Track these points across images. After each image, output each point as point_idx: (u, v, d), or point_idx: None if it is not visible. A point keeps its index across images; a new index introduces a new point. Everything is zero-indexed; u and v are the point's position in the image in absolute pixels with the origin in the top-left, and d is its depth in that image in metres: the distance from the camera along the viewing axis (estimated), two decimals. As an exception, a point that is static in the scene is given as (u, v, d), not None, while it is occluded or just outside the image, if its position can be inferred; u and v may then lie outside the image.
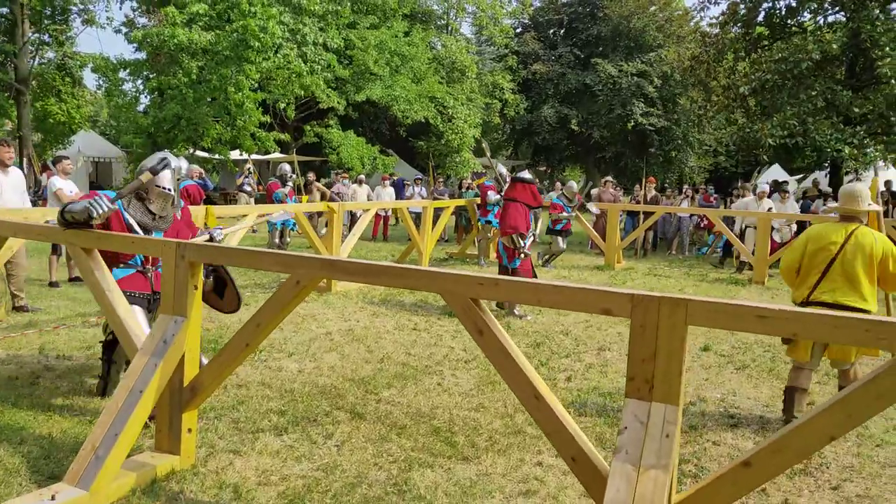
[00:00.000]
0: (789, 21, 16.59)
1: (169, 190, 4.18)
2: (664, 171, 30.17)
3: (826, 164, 16.23)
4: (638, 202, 14.52)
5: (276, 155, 22.59)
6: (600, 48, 30.76)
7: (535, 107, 30.78)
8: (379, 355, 5.69)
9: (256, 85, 17.45)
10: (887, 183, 15.18)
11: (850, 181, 16.22)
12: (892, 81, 13.85)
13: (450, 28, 30.92)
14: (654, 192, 14.77)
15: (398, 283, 2.96)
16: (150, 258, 4.17)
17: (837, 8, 15.89)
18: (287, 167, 12.18)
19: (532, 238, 7.94)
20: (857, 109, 14.42)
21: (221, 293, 4.36)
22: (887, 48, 13.54)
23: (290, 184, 11.99)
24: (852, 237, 4.27)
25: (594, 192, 15.48)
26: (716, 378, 5.44)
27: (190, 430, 3.45)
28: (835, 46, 14.22)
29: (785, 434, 2.22)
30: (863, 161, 14.51)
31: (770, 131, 14.13)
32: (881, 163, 16.97)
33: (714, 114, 19.20)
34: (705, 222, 14.33)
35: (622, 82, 28.60)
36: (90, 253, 3.71)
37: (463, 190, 16.26)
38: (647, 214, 12.99)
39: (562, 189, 12.51)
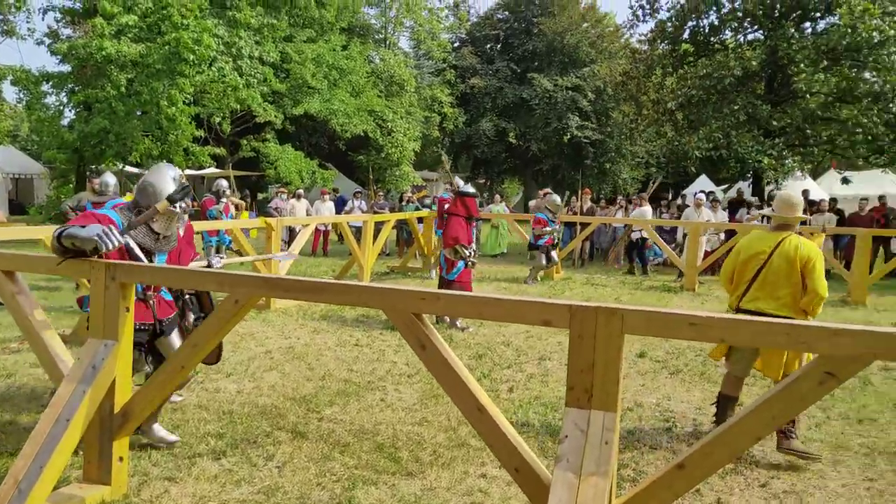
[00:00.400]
0: (712, 39, 17.41)
1: (181, 209, 3.75)
2: (599, 182, 31.01)
3: (749, 175, 17.06)
4: (575, 213, 14.86)
5: (212, 170, 22.06)
6: (536, 63, 31.46)
7: (473, 120, 31.16)
8: (320, 373, 5.61)
9: (190, 99, 17.02)
10: (805, 192, 16.06)
11: (772, 190, 17.10)
12: (808, 96, 14.72)
13: (388, 42, 31.00)
14: (589, 204, 15.15)
15: (340, 300, 2.94)
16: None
17: (756, 27, 16.78)
18: (224, 183, 11.92)
19: (473, 251, 8.05)
20: (775, 123, 15.22)
21: None
22: (802, 65, 14.38)
23: (225, 199, 11.71)
24: (779, 246, 4.24)
25: (531, 203, 15.75)
26: (651, 383, 5.61)
27: (122, 459, 3.31)
28: (754, 63, 15.01)
29: (716, 436, 2.32)
30: (781, 171, 15.32)
31: (697, 144, 14.77)
32: (798, 172, 17.98)
33: (645, 127, 19.91)
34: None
35: (558, 96, 29.31)
36: (12, 276, 3.52)
37: (403, 203, 16.26)
38: (584, 225, 13.32)
39: (545, 203, 11.84)
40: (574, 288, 11.05)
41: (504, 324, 7.54)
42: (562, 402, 4.88)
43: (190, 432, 4.21)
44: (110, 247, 3.05)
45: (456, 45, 33.97)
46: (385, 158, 25.29)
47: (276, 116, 20.82)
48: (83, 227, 3.13)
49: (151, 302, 3.78)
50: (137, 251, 3.60)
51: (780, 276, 4.19)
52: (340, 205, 16.75)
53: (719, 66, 15.21)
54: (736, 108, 14.91)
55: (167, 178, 3.75)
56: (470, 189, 8.13)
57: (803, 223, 4.44)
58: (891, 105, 15.32)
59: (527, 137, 30.51)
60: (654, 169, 32.03)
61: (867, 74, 15.92)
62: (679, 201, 18.02)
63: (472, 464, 3.90)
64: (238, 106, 19.15)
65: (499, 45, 33.44)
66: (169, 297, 3.95)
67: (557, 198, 12.20)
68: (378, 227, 11.98)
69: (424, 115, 28.65)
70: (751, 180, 17.35)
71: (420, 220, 13.07)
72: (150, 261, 3.69)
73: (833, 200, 14.73)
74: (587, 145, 29.77)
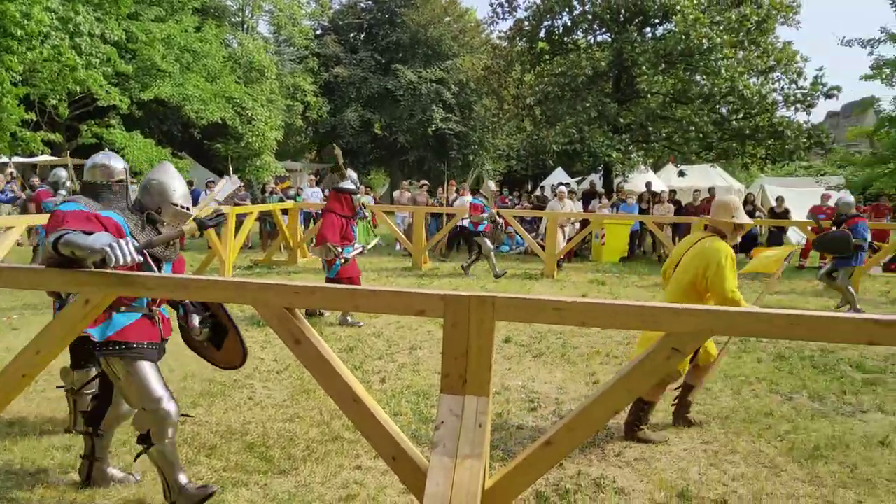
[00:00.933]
0: (566, 39, 18.39)
1: (189, 211, 3.35)
2: (463, 173, 31.78)
3: (600, 168, 18.27)
4: (441, 205, 15.14)
5: (46, 157, 19.98)
6: (400, 54, 31.53)
7: (338, 110, 30.68)
8: (181, 373, 5.31)
9: (19, 78, 15.26)
10: (648, 184, 17.50)
11: (620, 182, 18.45)
12: (649, 96, 15.99)
13: (246, 26, 29.65)
14: (455, 195, 15.49)
15: (204, 297, 2.80)
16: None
17: (604, 29, 17.95)
18: (62, 172, 10.83)
19: (360, 249, 7.98)
20: (622, 120, 16.41)
21: (219, 343, 3.59)
22: (644, 67, 15.59)
23: (65, 192, 10.64)
24: (694, 247, 4.27)
25: (396, 193, 15.86)
26: (517, 367, 5.88)
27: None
28: (603, 64, 16.06)
29: (579, 412, 2.48)
30: (628, 165, 16.57)
31: (554, 138, 15.59)
32: (642, 166, 19.54)
33: (506, 121, 20.67)
34: (503, 222, 15.35)
35: (422, 88, 29.61)
36: None
37: (267, 195, 15.71)
38: (451, 216, 13.61)
39: (479, 189, 11.91)
40: (442, 277, 11.28)
41: (374, 315, 7.55)
42: (433, 389, 5.00)
43: (31, 447, 3.83)
44: (122, 261, 2.54)
45: (318, 32, 33.19)
46: (245, 147, 24.25)
47: (121, 100, 19.24)
48: (87, 233, 2.66)
49: (157, 318, 3.34)
50: (151, 263, 3.19)
51: (686, 277, 4.22)
52: (196, 197, 15.85)
53: (573, 66, 16.13)
54: (588, 105, 15.90)
55: (176, 177, 3.37)
56: (348, 185, 7.93)
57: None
58: (718, 106, 17.04)
59: (392, 128, 30.56)
60: (514, 161, 33.37)
61: (698, 78, 17.59)
62: (538, 192, 18.95)
63: (347, 456, 3.89)
64: (77, 87, 17.49)
65: (363, 35, 33.13)
66: (167, 315, 3.47)
67: (492, 184, 12.59)
68: (240, 219, 11.51)
69: (287, 103, 27.79)
70: (602, 173, 18.59)
71: (285, 211, 12.71)
72: (158, 270, 3.24)
73: (673, 192, 16.18)
74: (451, 137, 30.38)
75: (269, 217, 13.46)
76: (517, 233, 13.29)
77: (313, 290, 2.57)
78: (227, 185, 5.55)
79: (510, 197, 18.35)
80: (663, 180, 20.67)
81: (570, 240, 12.96)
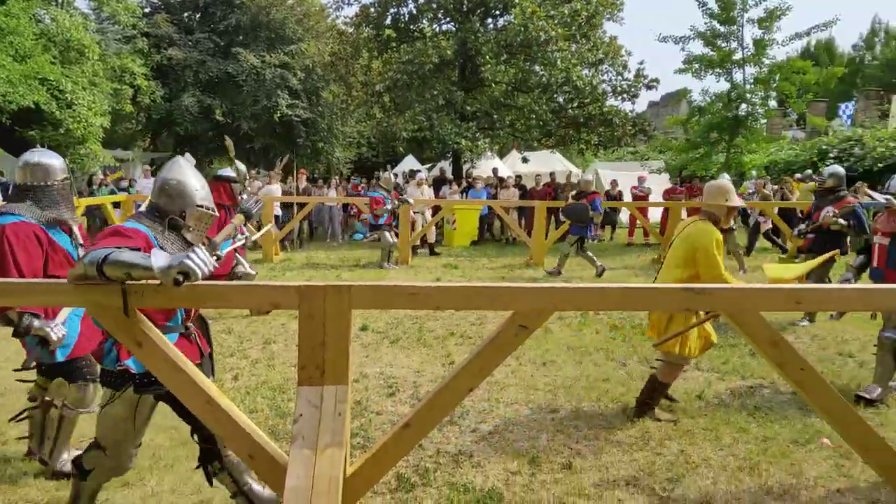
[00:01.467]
0: (412, 27, 18.56)
1: (213, 212, 2.95)
2: (313, 161, 31.10)
3: (449, 155, 18.72)
4: (292, 194, 14.74)
5: None
6: (241, 37, 30.02)
7: (174, 95, 28.62)
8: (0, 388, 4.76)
9: None
10: (494, 170, 18.22)
11: (469, 168, 19.03)
12: (493, 85, 16.60)
13: (60, 0, 26.70)
14: (305, 183, 15.15)
15: (27, 302, 2.53)
16: (190, 311, 2.93)
17: (448, 18, 18.34)
18: None
19: (243, 240, 7.46)
20: (469, 108, 16.91)
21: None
22: (487, 57, 16.15)
23: None
24: (686, 228, 4.38)
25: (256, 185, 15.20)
26: (374, 354, 5.92)
27: None
28: (449, 52, 16.40)
29: (436, 393, 2.57)
30: (476, 152, 17.13)
31: (403, 126, 15.73)
32: (489, 153, 20.27)
33: (355, 108, 20.47)
34: (355, 210, 15.28)
35: (266, 73, 28.44)
36: None
37: (95, 187, 14.37)
38: (301, 205, 13.30)
39: (377, 182, 11.50)
40: (294, 268, 11.01)
41: (224, 311, 7.23)
42: (290, 383, 4.90)
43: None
44: (206, 272, 2.26)
45: (147, 10, 30.67)
46: (65, 135, 21.92)
47: None
48: (142, 252, 2.32)
49: (194, 336, 2.97)
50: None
51: (676, 259, 4.31)
52: (6, 192, 14.14)
53: (419, 53, 16.32)
54: (436, 93, 16.19)
55: (195, 174, 2.94)
56: (228, 173, 7.26)
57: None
58: (555, 95, 18.10)
59: (235, 115, 29.10)
60: (365, 148, 33.19)
61: (537, 68, 18.56)
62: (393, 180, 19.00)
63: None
64: None
65: (198, 15, 31.12)
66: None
67: (391, 175, 12.26)
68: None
69: (113, 87, 25.46)
70: (451, 160, 19.05)
71: (116, 204, 11.74)
72: None
73: (518, 177, 16.98)
74: (299, 124, 29.53)
75: (98, 211, 12.35)
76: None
77: (156, 289, 2.41)
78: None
79: (362, 184, 18.26)
80: (508, 166, 21.61)
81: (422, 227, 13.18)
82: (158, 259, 2.24)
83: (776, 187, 14.86)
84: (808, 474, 3.66)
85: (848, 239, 6.99)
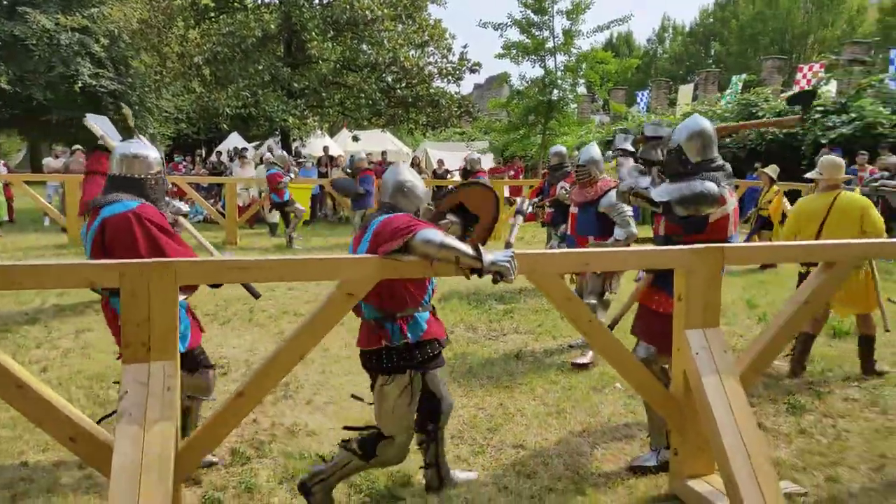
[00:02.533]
0: (232, -3, 17.67)
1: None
2: (125, 137, 28.52)
3: (277, 132, 18.19)
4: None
5: None
6: (28, -6, 26.53)
7: (-56, 58, 24.69)
8: None
9: None
10: (325, 148, 18.04)
11: (298, 147, 18.65)
12: (321, 62, 16.38)
13: None
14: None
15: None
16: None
17: (271, -10, 17.72)
18: None
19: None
20: (296, 85, 16.55)
21: None
22: (314, 32, 15.87)
23: None
24: (835, 203, 4.81)
25: (48, 160, 13.70)
26: (204, 336, 5.74)
27: None
28: (273, 26, 15.89)
29: (269, 360, 2.66)
30: (305, 130, 16.84)
31: (227, 101, 15.01)
32: (319, 131, 20.01)
33: (171, 80, 19.09)
34: (175, 188, 14.35)
35: (61, 38, 25.46)
36: None
37: None
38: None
39: (272, 159, 11.32)
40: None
41: (22, 299, 6.59)
42: (110, 371, 4.66)
43: None
44: (513, 275, 2.62)
45: None
46: None
47: None
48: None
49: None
50: None
51: (842, 230, 4.72)
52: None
53: (241, 26, 15.62)
54: (260, 67, 15.62)
55: (416, 175, 3.14)
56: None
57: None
58: (384, 75, 18.29)
59: (26, 83, 25.77)
60: (184, 124, 31.04)
61: (365, 47, 18.59)
62: (214, 158, 18.12)
63: (8, 455, 3.45)
64: None
65: (-27, -34, 26.97)
66: None
67: (284, 152, 12.08)
68: None
69: None
70: (279, 137, 18.55)
71: None
72: None
73: (352, 157, 16.97)
74: (105, 96, 26.87)
75: None
76: (195, 201, 12.61)
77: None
78: None
79: (183, 162, 17.19)
80: (339, 145, 21.51)
81: (246, 207, 12.80)
82: (486, 254, 2.57)
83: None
84: (604, 413, 4.24)
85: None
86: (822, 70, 19.06)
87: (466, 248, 2.55)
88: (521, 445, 3.78)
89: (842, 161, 5.10)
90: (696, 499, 3.07)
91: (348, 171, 11.41)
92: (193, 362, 3.38)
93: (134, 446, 2.31)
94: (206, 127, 25.89)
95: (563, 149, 7.85)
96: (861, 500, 3.17)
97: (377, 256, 2.67)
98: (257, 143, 20.66)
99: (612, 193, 5.28)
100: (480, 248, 2.58)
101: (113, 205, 3.05)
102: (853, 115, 14.14)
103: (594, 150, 5.62)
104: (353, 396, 3.42)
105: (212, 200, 13.52)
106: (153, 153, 3.25)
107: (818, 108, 15.25)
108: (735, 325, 6.21)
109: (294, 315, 6.49)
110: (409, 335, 2.88)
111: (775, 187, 9.18)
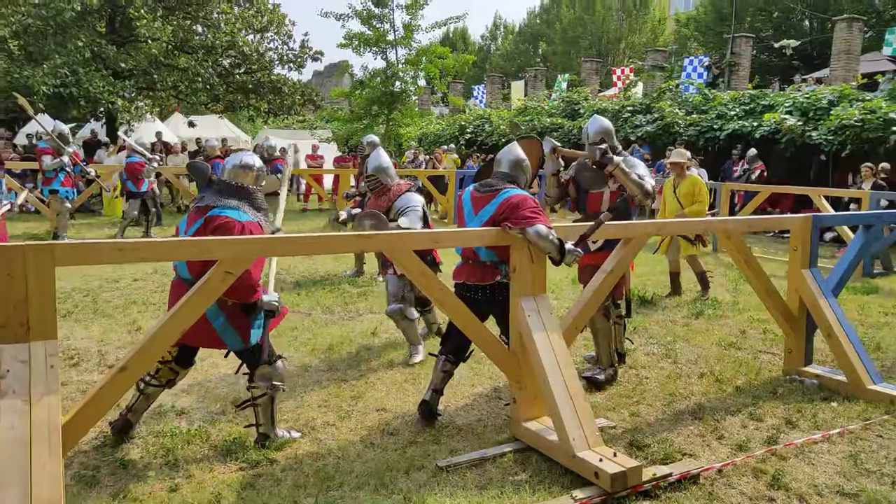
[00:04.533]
0: (43, -36, 16.00)
1: None
2: None
3: (101, 115, 16.85)
4: None
5: None
6: None
7: None
8: None
9: None
10: (158, 134, 17.07)
11: (126, 130, 17.45)
12: (150, 42, 15.43)
13: None
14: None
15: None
16: None
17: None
18: None
19: (11, 204, 5.99)
20: (123, 64, 15.47)
21: None
22: (142, 10, 14.92)
23: None
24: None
25: None
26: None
27: None
28: (94, 0, 14.67)
29: (151, 336, 2.82)
30: (135, 114, 15.81)
31: (42, 79, 13.67)
32: (149, 115, 18.83)
33: (-30, 53, 16.89)
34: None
35: None
36: None
37: None
38: None
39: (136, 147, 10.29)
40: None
41: None
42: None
43: None
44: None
45: None
46: None
47: None
48: None
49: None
50: None
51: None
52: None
53: (57, -3, 14.25)
54: (81, 44, 14.39)
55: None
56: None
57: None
58: (220, 59, 17.63)
59: None
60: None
61: (199, 28, 17.77)
62: (26, 141, 16.48)
63: None
64: None
65: None
66: None
67: (144, 140, 11.13)
68: None
69: None
70: (104, 120, 17.23)
71: None
72: None
73: (184, 143, 16.23)
74: None
75: None
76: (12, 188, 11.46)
77: None
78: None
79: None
80: (171, 130, 20.37)
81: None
82: (567, 244, 3.67)
83: (428, 157, 17.07)
84: (455, 378, 4.76)
85: None
86: (632, 73, 21.40)
87: (557, 247, 3.59)
88: (383, 409, 4.19)
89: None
90: (532, 437, 3.66)
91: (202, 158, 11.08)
92: (270, 352, 3.54)
93: (21, 420, 2.40)
94: (5, 107, 23.16)
95: (376, 138, 8.37)
96: (655, 428, 3.96)
97: (257, 237, 2.93)
98: (73, 125, 18.97)
99: (409, 196, 5.05)
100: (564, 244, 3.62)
101: (225, 210, 3.35)
102: (656, 115, 16.14)
103: (382, 157, 5.22)
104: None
105: (30, 185, 12.32)
106: (259, 163, 3.59)
107: (628, 108, 17.19)
108: (563, 301, 7.08)
109: (144, 304, 6.36)
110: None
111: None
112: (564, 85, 22.73)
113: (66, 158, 9.55)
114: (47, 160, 9.46)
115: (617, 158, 4.42)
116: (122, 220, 10.60)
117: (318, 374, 4.74)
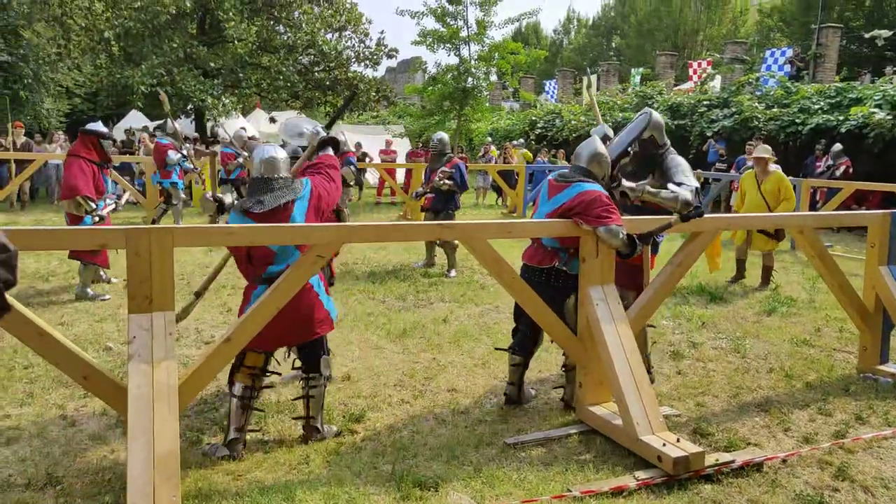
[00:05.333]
0: (141, -30, 17.11)
1: None
2: (18, 114, 26.81)
3: (191, 111, 17.90)
4: (7, 149, 12.98)
5: None
6: None
7: None
8: None
9: None
10: (242, 129, 17.91)
11: (213, 127, 18.42)
12: (237, 42, 16.28)
13: None
14: (24, 139, 13.44)
15: None
16: None
17: (183, -34, 17.29)
18: None
19: (116, 203, 6.68)
20: (212, 64, 16.38)
21: None
22: (231, 13, 15.76)
23: None
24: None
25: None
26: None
27: None
28: (187, 3, 15.62)
29: (251, 312, 3.15)
30: (222, 110, 16.72)
31: (141, 79, 14.69)
32: (234, 112, 19.81)
33: (79, 55, 18.31)
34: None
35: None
36: None
37: None
38: (20, 163, 11.89)
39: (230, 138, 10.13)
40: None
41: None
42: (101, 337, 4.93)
43: None
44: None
45: None
46: None
47: None
48: None
49: None
50: None
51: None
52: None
53: (154, 2, 15.26)
54: (175, 45, 15.36)
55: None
56: (97, 127, 6.56)
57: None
58: (301, 57, 18.36)
59: None
60: (79, 100, 29.48)
61: (281, 28, 18.56)
62: (124, 136, 17.65)
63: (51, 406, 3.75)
64: None
65: None
66: None
67: (242, 130, 11.64)
68: None
69: None
70: (193, 117, 18.26)
71: None
72: None
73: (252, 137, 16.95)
74: (-8, 67, 25.15)
75: None
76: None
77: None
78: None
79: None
80: (253, 125, 21.33)
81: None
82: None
83: (498, 152, 17.25)
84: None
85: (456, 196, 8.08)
86: (710, 67, 20.83)
87: (626, 244, 3.79)
88: (454, 389, 4.43)
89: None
90: (598, 420, 3.82)
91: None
92: (326, 345, 3.66)
93: (146, 380, 2.77)
94: (106, 104, 24.78)
95: (445, 135, 8.44)
96: (720, 418, 4.04)
97: (346, 224, 3.22)
98: (160, 121, 20.20)
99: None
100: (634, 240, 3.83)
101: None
102: (733, 109, 15.71)
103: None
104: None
105: (127, 178, 13.30)
106: (284, 154, 3.50)
107: (704, 102, 16.77)
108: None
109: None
110: (570, 266, 3.97)
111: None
112: (638, 79, 22.36)
113: (184, 153, 10.41)
114: (172, 155, 10.20)
115: (640, 185, 4.19)
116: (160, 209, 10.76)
117: (392, 356, 5.03)
